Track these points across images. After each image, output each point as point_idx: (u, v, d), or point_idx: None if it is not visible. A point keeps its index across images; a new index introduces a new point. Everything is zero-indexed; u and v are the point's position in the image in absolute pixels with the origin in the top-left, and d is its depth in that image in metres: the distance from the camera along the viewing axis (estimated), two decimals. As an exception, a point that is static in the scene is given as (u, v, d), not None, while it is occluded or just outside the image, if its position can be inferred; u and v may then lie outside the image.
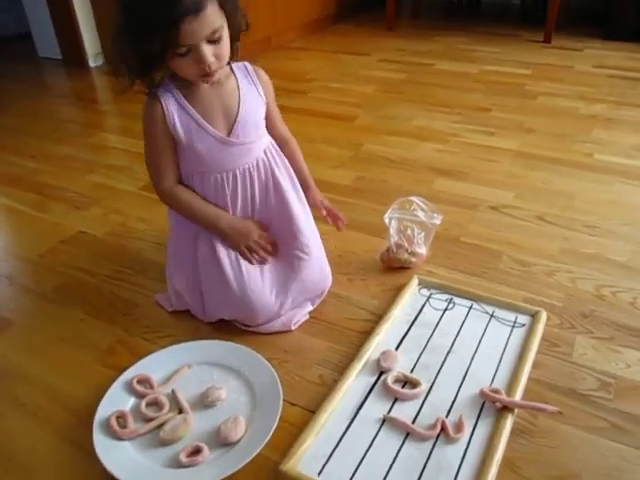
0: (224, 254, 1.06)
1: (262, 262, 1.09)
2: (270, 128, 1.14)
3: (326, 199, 1.23)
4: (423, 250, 1.25)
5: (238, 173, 1.06)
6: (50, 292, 1.25)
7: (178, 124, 1.00)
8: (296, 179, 1.15)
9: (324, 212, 1.20)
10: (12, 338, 1.13)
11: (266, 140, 1.10)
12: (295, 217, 1.11)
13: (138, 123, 1.75)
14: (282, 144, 1.16)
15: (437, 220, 1.25)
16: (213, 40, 0.91)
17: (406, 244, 1.23)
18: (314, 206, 1.19)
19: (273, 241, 1.12)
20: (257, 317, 1.06)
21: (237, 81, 1.04)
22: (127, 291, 1.24)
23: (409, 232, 1.24)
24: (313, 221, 1.17)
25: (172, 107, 0.99)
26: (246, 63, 1.07)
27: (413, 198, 1.27)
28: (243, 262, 1.06)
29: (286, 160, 1.14)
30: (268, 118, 1.12)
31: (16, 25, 3.56)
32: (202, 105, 1.01)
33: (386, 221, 1.25)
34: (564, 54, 2.82)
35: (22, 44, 3.37)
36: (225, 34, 0.93)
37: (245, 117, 1.03)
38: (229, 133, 1.03)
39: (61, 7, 2.86)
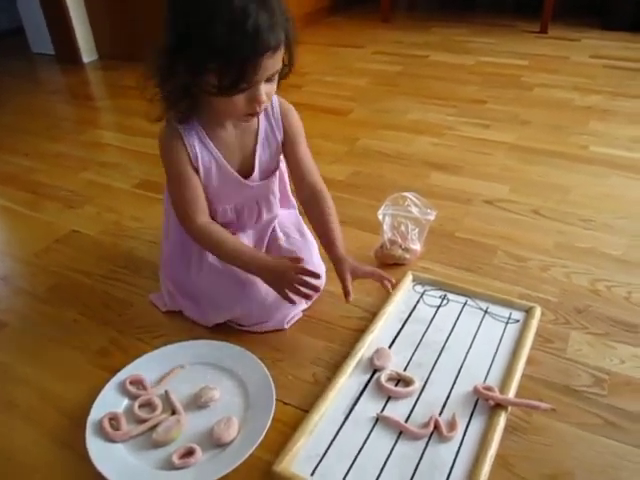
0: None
1: (307, 298, 1.01)
2: (297, 175, 1.07)
3: (364, 265, 1.05)
4: (417, 246, 1.24)
5: (245, 206, 1.07)
6: (44, 292, 1.25)
7: (200, 162, 0.98)
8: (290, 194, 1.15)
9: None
10: (5, 339, 1.13)
11: (278, 173, 1.10)
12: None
13: (132, 120, 1.74)
14: (311, 199, 1.06)
15: (431, 216, 1.24)
16: (270, 79, 0.88)
17: (400, 240, 1.23)
18: (345, 278, 1.01)
19: (314, 272, 0.99)
20: (260, 313, 1.06)
21: (258, 126, 1.02)
22: (121, 291, 1.23)
23: (403, 228, 1.24)
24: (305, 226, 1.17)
25: (195, 144, 0.97)
26: (275, 99, 1.03)
27: (407, 194, 1.26)
28: None
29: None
30: (292, 158, 1.06)
31: (8, 20, 3.53)
32: (223, 145, 0.99)
33: (380, 217, 1.24)
34: (560, 44, 2.80)
35: (14, 39, 3.35)
36: (277, 76, 0.91)
37: (261, 160, 1.04)
38: (246, 175, 1.03)
39: (53, 2, 2.83)
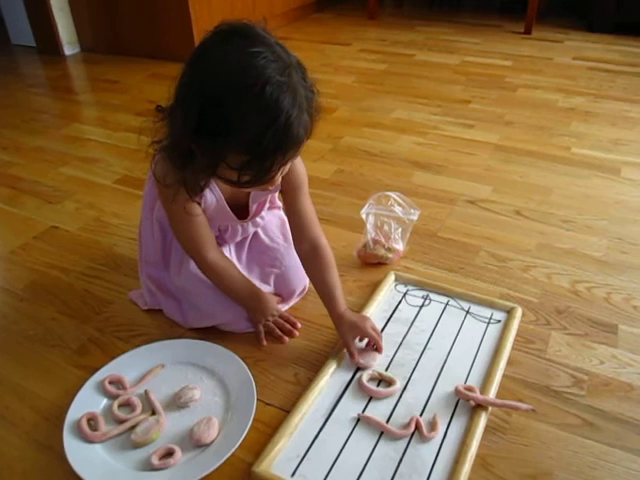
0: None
1: (279, 339, 1.04)
2: (298, 227, 1.03)
3: (366, 326, 0.99)
4: (400, 246, 1.24)
5: (230, 227, 1.06)
6: (21, 290, 1.23)
7: (203, 201, 0.95)
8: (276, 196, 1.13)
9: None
10: (-19, 338, 1.10)
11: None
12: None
13: (114, 114, 1.71)
14: (311, 255, 1.02)
15: (414, 216, 1.24)
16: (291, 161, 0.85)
17: (383, 240, 1.23)
18: (348, 343, 0.98)
19: (294, 321, 1.07)
20: (243, 322, 1.06)
21: None
22: (100, 288, 1.22)
23: (386, 228, 1.24)
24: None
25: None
26: None
27: (390, 193, 1.26)
28: None
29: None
30: (294, 212, 1.02)
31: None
32: (226, 187, 0.95)
33: (363, 216, 1.24)
34: (544, 45, 2.82)
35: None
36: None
37: (255, 202, 1.03)
38: (239, 213, 1.01)
39: (34, -7, 2.79)
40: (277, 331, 1.05)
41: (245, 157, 0.76)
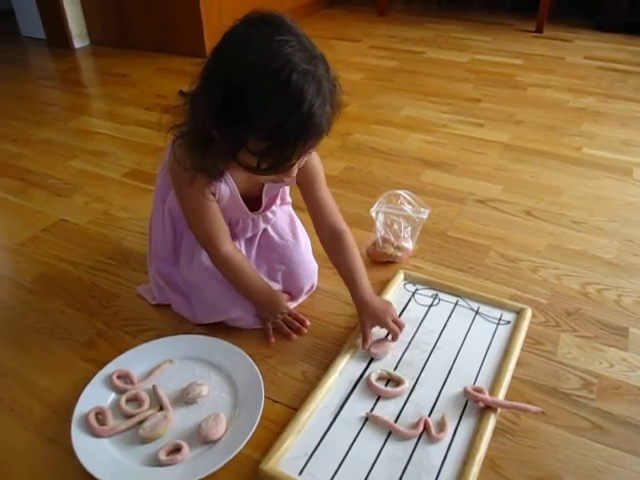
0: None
1: (288, 337, 1.04)
2: (318, 216, 1.04)
3: (387, 314, 1.00)
4: (410, 244, 1.24)
5: (241, 220, 1.06)
6: (29, 282, 1.23)
7: (217, 192, 0.94)
8: (287, 192, 1.14)
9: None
10: (-11, 330, 1.11)
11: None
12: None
13: (123, 108, 1.71)
14: (333, 240, 1.03)
15: (424, 214, 1.24)
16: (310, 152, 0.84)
17: (392, 238, 1.22)
18: (365, 329, 0.99)
19: (303, 319, 1.07)
20: (249, 318, 1.06)
21: None
22: (109, 282, 1.22)
23: (396, 226, 1.23)
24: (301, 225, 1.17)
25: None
26: None
27: (400, 192, 1.26)
28: None
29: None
30: (313, 202, 1.03)
31: (-2, 2, 3.47)
32: (240, 180, 0.96)
33: (373, 215, 1.23)
34: (555, 45, 2.80)
35: (4, 22, 3.28)
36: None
37: (268, 194, 1.03)
38: (251, 204, 1.01)
39: (44, -15, 2.79)
40: (285, 328, 1.05)
41: (266, 143, 0.75)
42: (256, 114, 0.74)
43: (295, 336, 1.05)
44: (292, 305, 1.11)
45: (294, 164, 0.82)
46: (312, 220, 1.07)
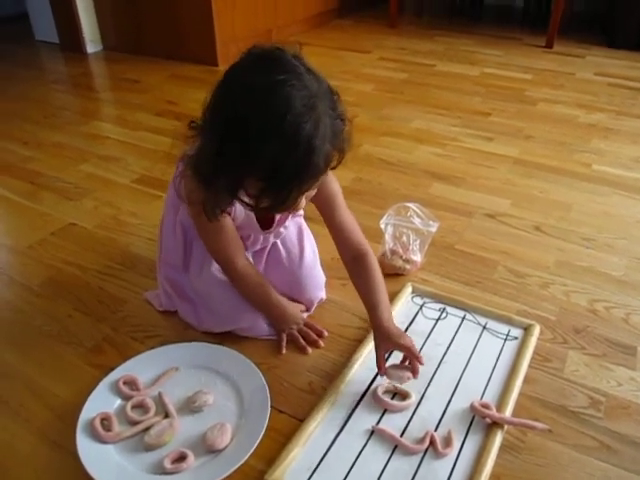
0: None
1: (302, 350, 1.04)
2: (340, 238, 1.02)
3: (402, 337, 0.94)
4: (418, 257, 1.24)
5: (252, 235, 1.06)
6: (37, 285, 1.23)
7: (233, 213, 0.95)
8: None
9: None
10: (-3, 332, 1.11)
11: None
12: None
13: (134, 113, 1.71)
14: (356, 263, 1.02)
15: (433, 228, 1.24)
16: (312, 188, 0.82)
17: (401, 251, 1.22)
18: (379, 354, 0.95)
19: (320, 330, 1.07)
20: (263, 326, 1.06)
21: None
22: (116, 287, 1.22)
23: (404, 239, 1.23)
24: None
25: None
26: None
27: (410, 204, 1.26)
28: None
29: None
30: (334, 224, 1.01)
31: (13, 6, 3.51)
32: None
33: (382, 227, 1.23)
34: (565, 60, 2.81)
35: (18, 26, 3.32)
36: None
37: (281, 219, 1.04)
38: (263, 223, 1.01)
39: (60, -10, 2.81)
40: (301, 341, 1.04)
41: (262, 184, 0.74)
42: (251, 154, 0.73)
43: (310, 350, 1.04)
44: (305, 314, 1.11)
45: (294, 202, 0.80)
46: (334, 241, 1.05)
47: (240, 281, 1.01)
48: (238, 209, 0.95)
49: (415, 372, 0.93)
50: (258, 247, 1.10)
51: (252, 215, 0.98)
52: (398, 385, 0.95)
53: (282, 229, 1.09)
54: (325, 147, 0.74)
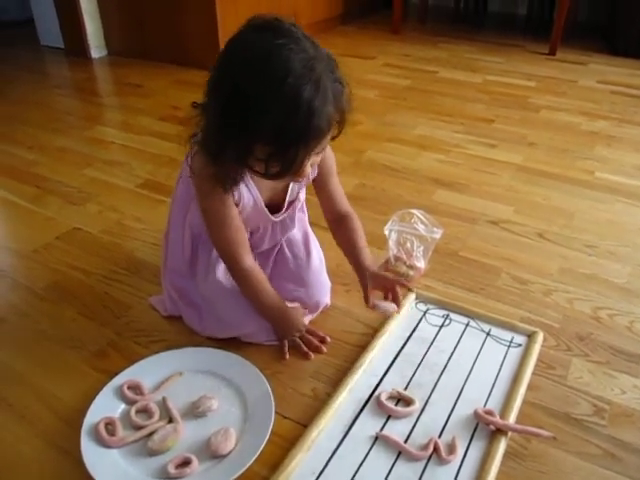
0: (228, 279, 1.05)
1: (305, 356, 1.04)
2: (327, 205, 1.08)
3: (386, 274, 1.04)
4: (422, 264, 1.23)
5: (261, 227, 1.07)
6: (42, 289, 1.24)
7: (241, 201, 0.96)
8: (304, 205, 1.15)
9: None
10: (2, 336, 1.11)
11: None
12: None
13: (137, 118, 1.71)
14: (339, 220, 1.09)
15: (437, 234, 1.23)
16: (318, 152, 0.84)
17: (405, 257, 1.22)
18: (365, 286, 1.03)
19: (323, 337, 1.07)
20: (267, 332, 1.07)
21: None
22: (121, 292, 1.22)
23: (408, 245, 1.23)
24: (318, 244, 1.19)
25: (241, 186, 0.94)
26: None
27: (414, 211, 1.25)
28: None
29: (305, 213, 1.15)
30: (323, 191, 1.06)
31: (18, 10, 3.53)
32: (262, 185, 0.97)
33: (386, 233, 1.23)
34: (568, 68, 2.82)
35: (24, 31, 3.34)
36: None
37: (292, 198, 1.04)
38: (273, 208, 1.02)
39: (65, -4, 2.83)
40: (303, 348, 1.04)
41: (270, 148, 0.77)
42: (256, 120, 0.75)
43: (313, 356, 1.04)
44: (307, 318, 1.11)
45: (303, 165, 0.82)
46: (322, 206, 1.11)
47: (243, 280, 1.01)
48: (246, 197, 0.96)
49: (398, 304, 1.02)
50: (266, 245, 1.10)
51: (262, 204, 0.98)
52: (401, 391, 0.95)
53: (289, 221, 1.09)
54: (326, 108, 0.76)
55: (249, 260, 1.00)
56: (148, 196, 1.62)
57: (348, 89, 0.82)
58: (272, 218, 1.03)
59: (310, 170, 0.87)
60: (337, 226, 1.10)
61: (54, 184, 1.69)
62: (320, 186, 1.07)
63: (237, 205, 0.96)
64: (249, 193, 0.96)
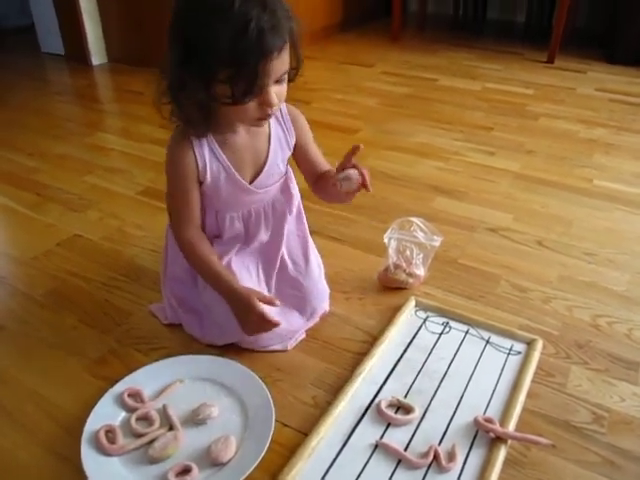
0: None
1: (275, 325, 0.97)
2: (310, 171, 1.11)
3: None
4: (421, 271, 1.24)
5: (253, 212, 1.07)
6: (42, 296, 1.24)
7: (208, 171, 0.97)
8: (302, 211, 1.16)
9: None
10: (1, 343, 1.11)
11: (283, 180, 1.10)
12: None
13: (138, 125, 1.71)
14: (320, 176, 1.10)
15: (436, 242, 1.24)
16: (279, 81, 0.88)
17: (404, 265, 1.23)
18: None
19: (271, 299, 0.98)
20: (261, 342, 1.06)
21: (270, 129, 1.02)
22: (121, 299, 1.22)
23: (408, 253, 1.24)
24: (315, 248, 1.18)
25: (205, 154, 0.96)
26: (283, 106, 1.03)
27: (413, 219, 1.27)
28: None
29: (297, 195, 1.14)
30: (305, 159, 1.10)
31: (18, 17, 3.55)
32: (234, 153, 0.99)
33: (385, 241, 1.24)
34: (567, 75, 2.83)
35: (24, 37, 3.36)
36: (287, 77, 0.91)
37: (271, 166, 1.04)
38: (252, 181, 1.02)
39: (66, 3, 2.84)
40: (261, 331, 0.98)
41: (231, 69, 0.81)
42: (213, 45, 0.81)
43: (280, 323, 0.97)
44: (305, 328, 1.11)
45: (266, 87, 0.85)
46: (303, 174, 1.12)
47: (186, 250, 1.02)
48: (214, 167, 0.97)
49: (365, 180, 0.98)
50: (263, 234, 1.09)
51: (232, 171, 0.99)
52: (401, 399, 0.95)
53: (280, 203, 1.09)
54: (275, 20, 0.82)
55: (192, 231, 1.01)
56: (149, 203, 1.62)
57: (297, 20, 0.88)
58: (250, 187, 1.02)
59: (277, 101, 0.89)
60: (317, 180, 1.11)
61: (54, 191, 1.70)
62: (301, 156, 1.10)
63: (203, 181, 0.98)
64: (217, 162, 0.97)
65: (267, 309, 0.95)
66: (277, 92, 0.89)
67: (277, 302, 0.98)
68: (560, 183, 1.75)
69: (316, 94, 2.49)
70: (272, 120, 1.02)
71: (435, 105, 2.42)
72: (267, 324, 0.95)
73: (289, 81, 0.93)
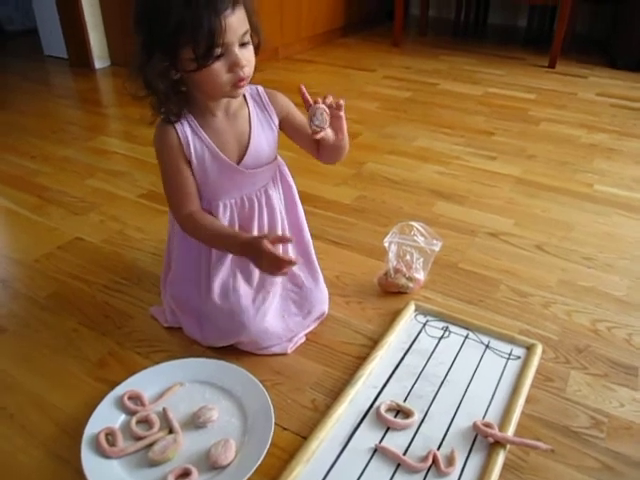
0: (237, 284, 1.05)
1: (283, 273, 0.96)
2: (304, 138, 1.07)
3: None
4: (421, 276, 1.25)
5: (246, 199, 1.06)
6: (43, 299, 1.24)
7: (192, 151, 0.98)
8: (299, 203, 1.15)
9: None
10: (2, 345, 1.12)
11: (274, 166, 1.10)
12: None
13: (141, 129, 1.70)
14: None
15: (437, 246, 1.25)
16: (244, 43, 0.90)
17: (404, 269, 1.23)
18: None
19: (284, 237, 1.03)
20: (261, 343, 1.07)
21: (249, 111, 1.03)
22: (122, 302, 1.23)
23: (408, 257, 1.24)
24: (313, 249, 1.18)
25: (187, 133, 0.98)
26: (259, 88, 1.05)
27: (413, 223, 1.27)
28: (242, 294, 1.05)
29: (292, 184, 1.14)
30: (295, 130, 1.08)
31: (23, 20, 3.56)
32: (215, 135, 1.00)
33: (386, 245, 1.24)
34: (568, 80, 2.84)
35: (27, 40, 3.37)
36: (250, 41, 0.93)
37: (255, 148, 1.03)
38: (239, 162, 1.03)
39: (69, 6, 2.85)
40: (277, 272, 0.96)
41: (189, 33, 0.85)
42: (169, 12, 0.84)
43: (296, 260, 0.99)
44: (305, 330, 1.12)
45: (229, 43, 0.87)
46: (303, 146, 1.10)
47: (188, 224, 1.03)
48: (198, 147, 0.98)
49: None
50: (256, 227, 1.08)
51: (216, 150, 0.99)
52: (400, 403, 0.95)
53: (270, 190, 1.09)
54: None
55: (189, 209, 1.02)
56: (150, 206, 1.63)
57: None
58: (236, 166, 1.02)
59: (246, 62, 0.90)
60: (317, 149, 1.09)
61: (56, 194, 1.70)
62: (291, 128, 1.08)
63: (190, 159, 0.99)
64: (200, 140, 0.98)
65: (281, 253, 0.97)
66: (245, 56, 0.91)
67: (290, 238, 1.04)
68: (561, 188, 1.75)
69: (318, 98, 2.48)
70: (250, 103, 1.03)
71: (436, 110, 2.42)
72: (282, 263, 0.94)
73: (255, 53, 0.94)
